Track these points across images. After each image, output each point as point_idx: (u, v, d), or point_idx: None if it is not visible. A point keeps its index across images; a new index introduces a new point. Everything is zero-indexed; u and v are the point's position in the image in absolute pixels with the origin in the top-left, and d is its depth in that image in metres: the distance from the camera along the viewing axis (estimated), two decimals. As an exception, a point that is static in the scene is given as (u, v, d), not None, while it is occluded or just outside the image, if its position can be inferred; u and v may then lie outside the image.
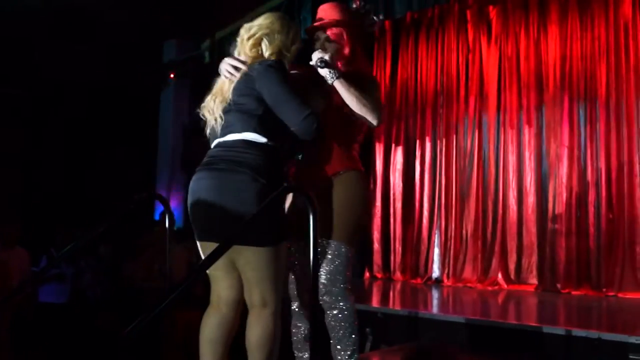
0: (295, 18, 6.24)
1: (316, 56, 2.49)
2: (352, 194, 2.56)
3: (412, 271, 6.75)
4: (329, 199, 2.53)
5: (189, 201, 2.43)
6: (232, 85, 2.42)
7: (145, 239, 6.22)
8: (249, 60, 2.44)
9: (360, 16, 2.69)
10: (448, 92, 6.83)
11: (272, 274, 2.33)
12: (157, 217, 7.60)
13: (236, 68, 2.44)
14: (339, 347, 2.50)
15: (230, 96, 2.41)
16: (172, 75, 8.39)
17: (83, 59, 7.45)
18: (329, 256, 2.50)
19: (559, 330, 3.55)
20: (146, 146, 8.49)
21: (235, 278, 2.42)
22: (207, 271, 2.39)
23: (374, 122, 2.51)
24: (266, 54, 2.44)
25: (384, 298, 5.50)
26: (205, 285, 2.57)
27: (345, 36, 2.61)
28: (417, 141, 6.98)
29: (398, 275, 6.81)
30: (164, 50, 8.61)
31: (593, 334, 3.40)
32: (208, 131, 2.50)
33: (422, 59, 7.06)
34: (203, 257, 2.36)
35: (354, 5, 2.71)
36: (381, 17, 5.84)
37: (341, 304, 2.48)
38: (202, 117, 2.51)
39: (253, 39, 2.47)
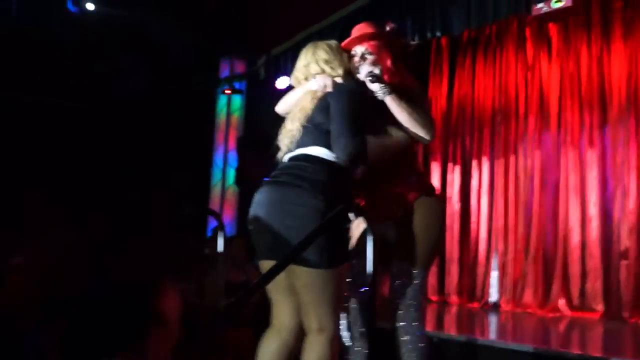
0: (350, 36, 6.27)
1: (365, 69, 2.46)
2: (432, 218, 2.55)
3: (469, 294, 6.57)
4: (408, 223, 2.51)
5: (250, 215, 2.42)
6: (314, 104, 2.45)
7: (197, 255, 6.26)
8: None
9: (395, 36, 2.69)
10: (506, 110, 6.68)
11: (329, 298, 2.27)
12: (209, 233, 7.70)
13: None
14: None
15: (309, 113, 2.44)
16: (227, 92, 8.54)
17: (140, 75, 7.65)
18: (406, 281, 2.49)
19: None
20: (200, 162, 8.64)
21: (296, 302, 2.38)
22: (269, 293, 2.40)
23: (427, 137, 2.46)
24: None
25: (439, 322, 5.37)
26: (257, 307, 2.60)
27: (384, 49, 2.59)
28: (474, 160, 6.84)
29: (454, 298, 6.65)
30: (220, 67, 8.77)
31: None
32: (283, 147, 2.52)
33: (480, 77, 6.94)
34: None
35: (387, 28, 2.69)
36: (415, 41, 5.85)
37: (414, 329, 2.47)
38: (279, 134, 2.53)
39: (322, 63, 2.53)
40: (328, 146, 2.34)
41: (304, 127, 2.42)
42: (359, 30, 2.65)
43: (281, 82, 7.21)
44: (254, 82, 8.27)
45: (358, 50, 2.60)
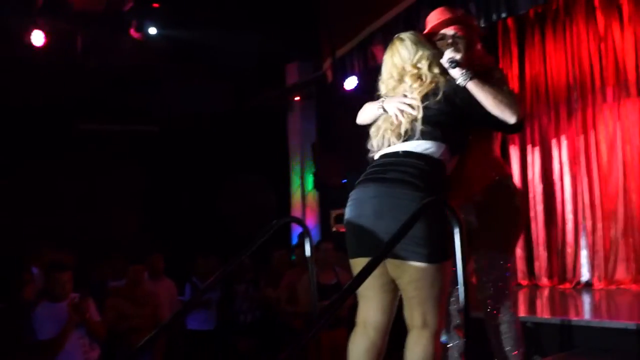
0: (415, 27, 6.26)
1: (447, 55, 2.41)
2: (511, 201, 2.55)
3: (559, 276, 6.46)
4: (488, 208, 2.51)
5: (351, 214, 2.38)
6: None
7: (284, 262, 6.36)
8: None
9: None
10: (582, 85, 6.51)
11: (436, 293, 2.25)
12: (294, 240, 7.85)
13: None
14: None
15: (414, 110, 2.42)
16: (297, 98, 8.63)
17: (208, 90, 7.85)
18: (493, 268, 2.50)
19: None
20: (277, 171, 8.80)
21: (388, 300, 2.37)
22: (359, 291, 2.34)
23: (513, 118, 2.34)
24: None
25: (532, 306, 5.33)
26: (351, 307, 2.56)
27: (472, 31, 2.58)
28: (553, 139, 6.71)
29: (544, 281, 6.55)
30: (287, 73, 8.92)
31: None
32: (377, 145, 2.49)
33: (551, 54, 6.78)
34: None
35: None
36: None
37: (506, 316, 2.49)
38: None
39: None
40: (431, 142, 2.33)
41: (403, 124, 2.39)
42: (441, 14, 2.59)
43: (349, 83, 7.28)
44: (322, 86, 8.35)
45: (447, 33, 2.55)
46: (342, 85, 7.35)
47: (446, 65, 2.40)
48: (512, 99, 2.37)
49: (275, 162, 8.75)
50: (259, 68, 8.06)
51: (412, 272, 2.23)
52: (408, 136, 2.37)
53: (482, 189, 2.53)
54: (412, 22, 6.25)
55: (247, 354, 5.78)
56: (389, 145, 2.43)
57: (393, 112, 2.43)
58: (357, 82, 7.19)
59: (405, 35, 2.55)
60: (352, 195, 2.42)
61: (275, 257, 6.28)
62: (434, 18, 2.61)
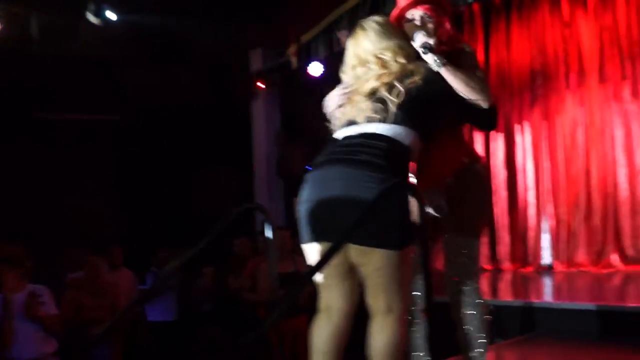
0: (381, 10, 6.21)
1: (420, 40, 2.34)
2: (481, 186, 2.54)
3: (522, 260, 6.56)
4: (458, 192, 2.47)
5: (310, 195, 2.27)
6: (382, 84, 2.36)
7: (246, 250, 6.31)
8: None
9: None
10: (546, 71, 6.58)
11: (400, 279, 2.21)
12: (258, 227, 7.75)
13: None
14: (470, 344, 2.48)
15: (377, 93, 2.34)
16: (261, 85, 8.52)
17: (171, 79, 7.70)
18: (460, 252, 2.47)
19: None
20: (241, 159, 8.65)
21: (349, 287, 2.31)
22: (318, 279, 2.30)
23: (485, 103, 2.33)
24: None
25: (495, 289, 5.40)
26: (311, 294, 2.46)
27: (442, 11, 2.49)
28: (517, 125, 6.77)
29: (507, 264, 6.64)
30: (250, 60, 8.79)
31: None
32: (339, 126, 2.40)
33: (516, 41, 6.82)
34: (310, 261, 2.29)
35: None
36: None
37: (473, 301, 2.46)
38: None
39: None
40: (402, 127, 2.25)
41: (367, 105, 2.31)
42: None
43: (314, 69, 7.21)
44: (287, 73, 8.16)
45: (416, 14, 2.47)
46: (306, 71, 7.28)
47: (420, 50, 2.34)
48: (483, 84, 2.35)
49: (240, 151, 8.64)
50: (222, 55, 7.91)
51: (377, 258, 2.17)
52: (377, 119, 2.28)
53: (452, 173, 2.50)
54: (378, 5, 6.22)
55: (209, 343, 5.73)
56: (355, 126, 2.32)
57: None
58: (322, 68, 7.14)
59: (369, 24, 2.44)
60: (312, 175, 2.29)
61: (236, 245, 6.20)
62: None
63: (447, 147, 2.50)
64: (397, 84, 2.30)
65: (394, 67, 2.36)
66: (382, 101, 2.29)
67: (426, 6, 2.47)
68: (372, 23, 2.44)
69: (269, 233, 2.73)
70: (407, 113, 2.27)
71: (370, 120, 2.29)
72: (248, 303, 5.50)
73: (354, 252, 2.23)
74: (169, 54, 7.69)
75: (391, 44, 2.38)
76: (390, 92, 2.29)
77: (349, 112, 2.36)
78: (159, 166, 8.16)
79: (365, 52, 2.40)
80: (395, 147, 2.22)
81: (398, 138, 2.24)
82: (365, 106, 2.31)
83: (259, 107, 8.68)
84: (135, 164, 8.16)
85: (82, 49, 7.21)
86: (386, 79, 2.33)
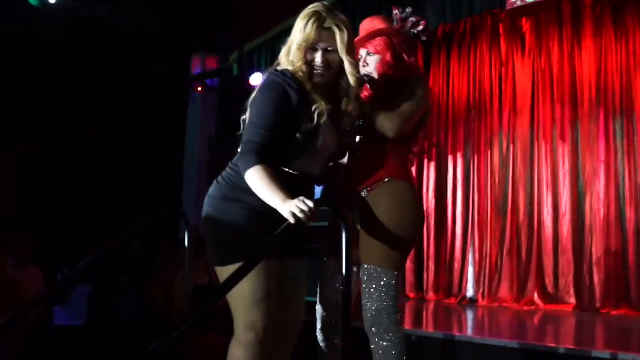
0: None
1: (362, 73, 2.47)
2: (400, 208, 2.35)
3: (446, 291, 6.63)
4: (371, 212, 2.33)
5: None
6: None
7: (164, 258, 6.06)
8: None
9: (402, 20, 2.57)
10: (481, 106, 6.75)
11: (233, 299, 2.15)
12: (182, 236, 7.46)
13: None
14: None
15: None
16: (199, 89, 8.37)
17: (108, 71, 7.41)
18: (374, 283, 2.30)
19: (606, 354, 3.44)
20: (172, 161, 8.44)
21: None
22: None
23: (389, 133, 2.35)
24: None
25: (418, 319, 5.41)
26: (226, 311, 2.37)
27: (383, 44, 2.49)
28: (450, 157, 6.89)
29: (431, 294, 6.69)
30: (192, 63, 8.60)
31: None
32: None
33: (455, 73, 6.98)
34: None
35: (395, 12, 2.60)
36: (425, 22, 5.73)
37: (391, 335, 2.29)
38: None
39: None
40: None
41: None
42: (364, 28, 2.57)
43: (255, 79, 7.13)
44: (227, 79, 8.14)
45: (362, 53, 2.53)
46: (248, 80, 7.20)
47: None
48: (395, 117, 2.35)
49: (171, 153, 8.38)
50: (163, 52, 7.69)
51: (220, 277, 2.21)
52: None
53: (367, 188, 2.40)
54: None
55: (122, 350, 5.45)
56: None
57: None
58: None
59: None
60: None
61: (156, 252, 5.97)
62: (360, 31, 2.58)
63: (366, 161, 2.43)
64: None
65: None
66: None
67: (374, 42, 2.51)
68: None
69: (188, 243, 2.66)
70: None
71: None
72: (162, 314, 5.29)
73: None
74: (108, 44, 7.37)
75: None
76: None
77: None
78: (85, 159, 7.74)
79: None
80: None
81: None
82: None
83: (195, 110, 8.50)
84: (59, 154, 7.70)
85: (13, 28, 6.82)
86: None
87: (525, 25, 6.53)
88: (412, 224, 2.39)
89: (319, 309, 2.49)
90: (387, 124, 2.34)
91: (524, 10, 5.92)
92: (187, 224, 2.74)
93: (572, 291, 5.83)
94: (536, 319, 5.35)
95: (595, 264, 5.75)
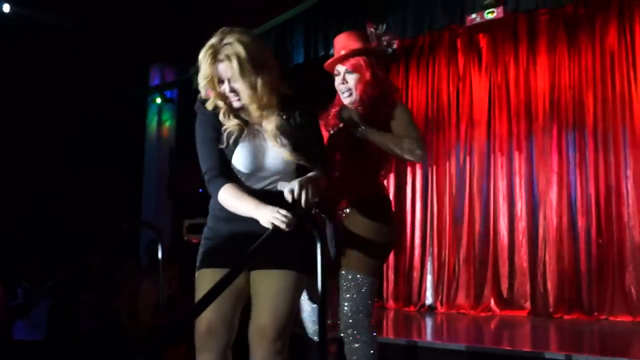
0: (287, 44, 6.27)
1: (345, 114, 2.54)
2: (377, 221, 2.48)
3: (405, 299, 6.74)
4: (352, 226, 2.47)
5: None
6: None
7: (127, 271, 5.97)
8: None
9: (378, 38, 2.64)
10: (439, 119, 6.91)
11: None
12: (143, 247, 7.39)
13: None
14: None
15: None
16: (157, 100, 8.29)
17: (64, 81, 7.28)
18: (353, 288, 2.43)
19: (560, 356, 3.58)
20: (131, 173, 8.29)
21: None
22: None
23: (414, 159, 2.45)
24: None
25: (378, 327, 5.49)
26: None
27: (363, 63, 2.57)
28: (408, 168, 7.02)
29: (391, 303, 6.79)
30: (151, 74, 8.52)
31: (592, 358, 3.44)
32: None
33: (413, 87, 7.15)
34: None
35: (369, 29, 2.67)
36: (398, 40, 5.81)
37: (364, 337, 2.42)
38: None
39: None
40: None
41: None
42: (341, 44, 2.63)
43: (214, 91, 7.09)
44: (186, 90, 8.07)
45: (340, 69, 2.60)
46: (208, 94, 7.12)
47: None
48: (409, 144, 2.42)
49: (129, 165, 8.26)
50: (121, 63, 7.58)
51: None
52: None
53: (350, 203, 2.51)
54: (285, 37, 6.26)
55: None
56: None
57: None
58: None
59: None
60: None
61: (122, 265, 5.87)
62: (336, 45, 2.66)
63: (348, 176, 2.52)
64: None
65: None
66: None
67: (352, 61, 2.58)
68: None
69: (159, 253, 2.63)
70: None
71: None
72: (126, 328, 5.18)
73: None
74: (65, 54, 7.24)
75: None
76: None
77: None
78: (41, 170, 7.55)
79: None
80: None
81: None
82: None
83: (153, 122, 8.41)
84: (14, 165, 7.49)
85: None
86: None
87: (482, 40, 6.74)
88: (388, 232, 2.54)
89: (304, 300, 2.60)
90: (408, 155, 2.43)
91: (482, 26, 6.12)
92: (159, 236, 2.73)
93: (527, 297, 6.01)
94: (493, 324, 5.50)
95: (548, 270, 5.95)
